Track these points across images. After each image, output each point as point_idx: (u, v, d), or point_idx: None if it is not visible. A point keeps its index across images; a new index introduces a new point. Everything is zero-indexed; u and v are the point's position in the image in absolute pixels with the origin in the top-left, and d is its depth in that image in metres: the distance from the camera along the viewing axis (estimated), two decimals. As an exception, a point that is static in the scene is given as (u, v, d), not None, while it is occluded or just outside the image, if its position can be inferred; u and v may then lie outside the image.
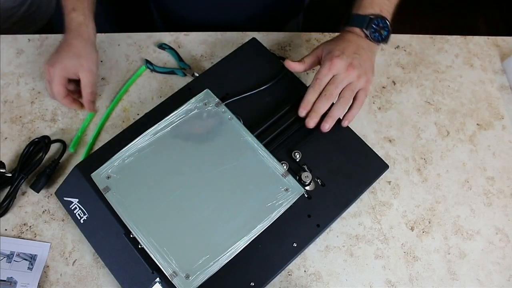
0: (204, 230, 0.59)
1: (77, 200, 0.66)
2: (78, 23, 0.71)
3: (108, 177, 0.61)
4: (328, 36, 0.86)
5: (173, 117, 0.65)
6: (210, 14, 0.91)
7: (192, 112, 0.66)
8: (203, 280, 0.56)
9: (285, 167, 0.64)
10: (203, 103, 0.67)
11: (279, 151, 0.69)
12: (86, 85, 0.72)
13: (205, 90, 0.67)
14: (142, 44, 0.84)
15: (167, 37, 0.85)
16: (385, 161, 0.70)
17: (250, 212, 0.59)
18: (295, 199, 0.60)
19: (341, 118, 0.70)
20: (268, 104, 0.72)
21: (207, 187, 0.61)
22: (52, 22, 1.07)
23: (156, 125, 0.64)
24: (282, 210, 0.60)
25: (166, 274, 0.56)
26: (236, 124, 0.65)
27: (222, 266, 0.56)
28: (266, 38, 0.84)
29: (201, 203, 0.60)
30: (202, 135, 0.65)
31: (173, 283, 0.55)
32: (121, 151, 0.62)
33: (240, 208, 0.60)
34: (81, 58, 0.70)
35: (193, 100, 0.67)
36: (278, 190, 0.61)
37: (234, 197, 0.61)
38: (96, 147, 0.74)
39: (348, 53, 0.67)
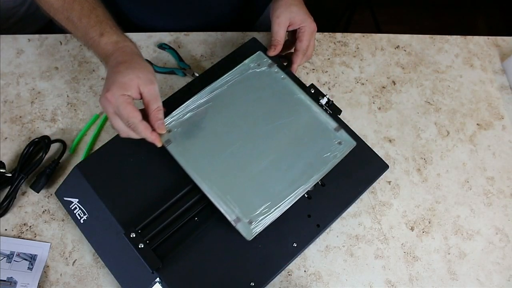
0: (264, 180, 0.62)
1: (77, 200, 0.66)
2: (113, 42, 0.62)
3: (169, 131, 0.63)
4: (328, 36, 0.86)
5: (228, 76, 0.68)
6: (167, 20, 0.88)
7: (247, 72, 0.69)
8: (265, 226, 0.59)
9: None
10: (257, 64, 0.69)
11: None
12: (150, 99, 0.59)
13: (257, 52, 0.71)
14: (142, 44, 0.84)
15: (167, 37, 0.85)
16: (385, 161, 0.70)
17: (306, 162, 0.63)
18: (348, 152, 0.64)
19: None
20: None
21: (265, 140, 0.64)
22: (53, 22, 1.07)
23: (213, 84, 0.67)
24: (336, 161, 0.64)
25: (230, 220, 0.58)
26: (289, 83, 0.68)
27: (222, 265, 0.57)
28: (266, 38, 0.84)
29: (260, 155, 0.63)
30: (257, 93, 0.68)
31: (237, 228, 0.58)
32: (180, 107, 0.66)
33: (297, 159, 0.63)
34: (135, 70, 0.59)
35: (246, 61, 0.70)
36: (331, 143, 0.65)
37: (290, 149, 0.64)
38: (96, 147, 0.74)
39: (307, 13, 0.72)
